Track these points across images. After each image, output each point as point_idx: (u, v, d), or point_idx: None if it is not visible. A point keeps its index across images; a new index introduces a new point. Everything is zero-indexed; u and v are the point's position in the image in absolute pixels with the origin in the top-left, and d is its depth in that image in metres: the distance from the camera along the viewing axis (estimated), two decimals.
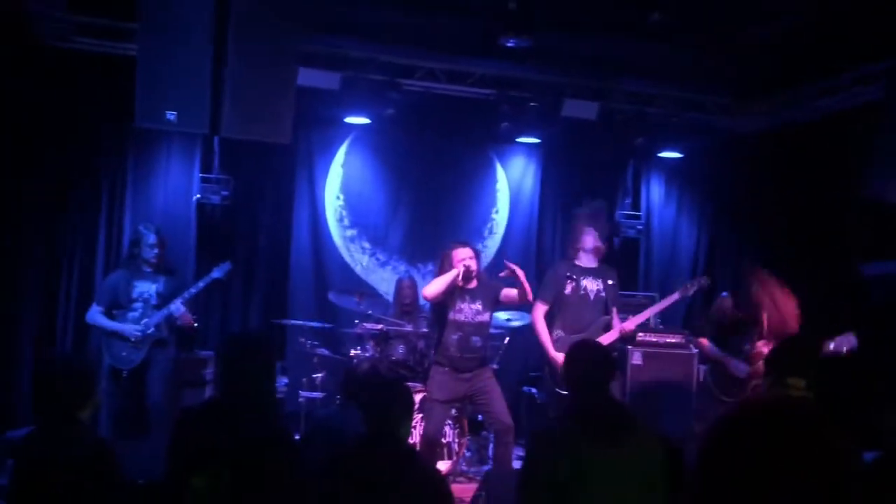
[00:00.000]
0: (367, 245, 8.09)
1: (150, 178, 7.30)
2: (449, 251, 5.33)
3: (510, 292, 5.30)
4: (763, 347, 5.04)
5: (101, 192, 7.16)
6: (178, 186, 7.36)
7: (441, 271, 5.29)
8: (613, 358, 3.03)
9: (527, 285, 5.21)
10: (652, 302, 6.73)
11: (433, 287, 5.22)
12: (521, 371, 7.75)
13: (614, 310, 5.59)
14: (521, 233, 8.32)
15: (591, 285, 5.53)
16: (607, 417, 2.78)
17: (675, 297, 5.57)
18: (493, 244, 8.33)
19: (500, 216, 8.39)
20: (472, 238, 7.94)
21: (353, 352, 6.61)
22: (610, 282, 5.60)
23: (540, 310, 5.48)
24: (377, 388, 3.07)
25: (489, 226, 8.37)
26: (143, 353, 5.76)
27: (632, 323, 5.55)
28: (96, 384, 3.14)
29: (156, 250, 5.87)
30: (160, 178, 7.33)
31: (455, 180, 8.17)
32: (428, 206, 8.09)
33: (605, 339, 5.45)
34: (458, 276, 5.21)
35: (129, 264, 5.92)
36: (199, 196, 7.34)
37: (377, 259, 8.08)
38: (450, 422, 6.07)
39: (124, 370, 5.73)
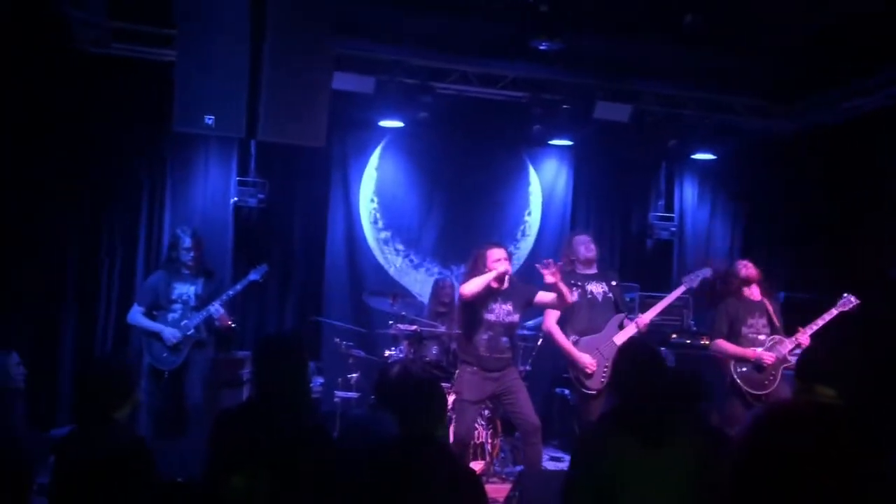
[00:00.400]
0: (400, 247, 8.09)
1: (189, 181, 7.36)
2: (483, 250, 5.28)
3: (546, 296, 5.27)
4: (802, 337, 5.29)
5: (142, 194, 7.23)
6: (216, 189, 7.41)
7: (473, 271, 5.24)
8: (662, 358, 2.93)
9: (565, 288, 5.18)
10: (686, 304, 6.67)
11: (472, 286, 5.15)
12: (553, 372, 7.64)
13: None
14: (553, 235, 8.28)
15: (597, 288, 5.54)
16: (651, 418, 2.71)
17: (682, 289, 5.61)
18: (525, 247, 8.30)
19: (533, 218, 8.37)
20: (504, 240, 7.90)
21: (387, 352, 6.62)
22: (613, 282, 5.62)
23: (552, 316, 5.47)
24: (412, 389, 3.04)
25: (522, 228, 8.35)
26: (184, 354, 5.77)
27: (646, 317, 5.55)
28: (135, 384, 3.14)
29: (192, 253, 5.88)
30: (198, 181, 7.39)
31: (488, 182, 8.15)
32: (461, 209, 8.07)
33: (622, 336, 5.46)
34: (497, 276, 5.17)
35: (168, 266, 5.94)
36: (236, 199, 7.41)
37: (411, 261, 8.09)
38: (483, 422, 6.06)
39: (166, 371, 5.77)
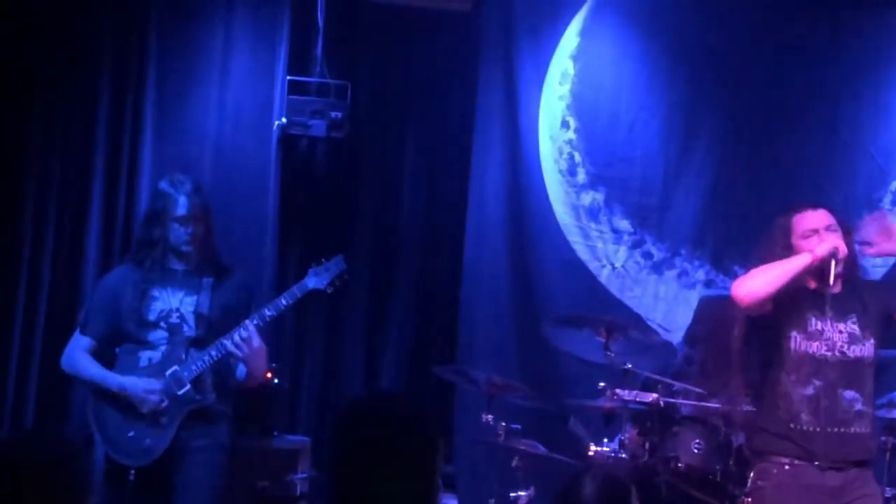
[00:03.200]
0: (625, 225, 8.00)
1: (191, 87, 7.57)
2: (786, 217, 5.40)
3: None
4: None
5: (98, 114, 7.40)
6: (244, 102, 7.62)
7: (769, 255, 5.36)
8: None
9: None
10: None
11: (757, 280, 5.27)
12: None
13: None
14: None
15: None
16: None
17: None
18: None
19: None
20: (852, 217, 7.13)
21: (593, 448, 6.57)
22: None
23: None
24: None
25: (893, 186, 8.08)
26: (169, 433, 5.75)
27: None
28: (86, 495, 3.27)
29: (190, 228, 5.86)
30: (210, 87, 7.58)
31: (813, 86, 8.03)
32: (753, 143, 8.02)
33: None
34: (815, 261, 5.21)
35: (143, 256, 5.95)
36: (284, 121, 7.53)
37: (647, 255, 7.99)
38: None
39: (132, 468, 5.70)
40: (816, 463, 5.19)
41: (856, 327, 5.30)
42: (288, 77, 7.53)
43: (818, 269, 5.21)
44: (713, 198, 7.95)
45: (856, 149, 8.06)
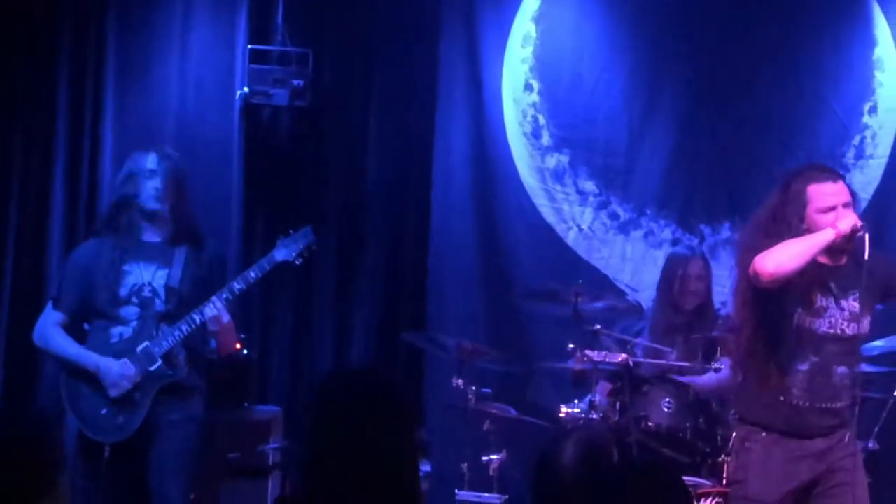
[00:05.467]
0: (590, 186, 8.03)
1: (151, 59, 7.60)
2: (798, 181, 5.31)
3: None
4: None
5: (57, 88, 7.44)
6: (205, 73, 7.67)
7: (775, 228, 5.28)
8: None
9: None
10: None
11: (788, 255, 5.13)
12: None
13: None
14: None
15: None
16: None
17: None
18: (863, 182, 7.91)
19: (882, 120, 8.04)
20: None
21: (563, 409, 6.72)
22: None
23: None
24: (615, 490, 3.09)
25: (856, 143, 8.04)
26: (143, 409, 5.75)
27: None
28: (57, 472, 3.28)
29: (158, 183, 5.85)
30: (170, 57, 7.61)
31: (775, 45, 8.01)
32: (718, 102, 8.02)
33: None
34: (837, 239, 5.14)
35: (112, 229, 5.94)
36: (246, 91, 7.57)
37: (614, 215, 8.04)
38: None
39: (106, 445, 5.71)
40: (801, 435, 5.23)
41: (856, 304, 5.32)
42: (249, 46, 7.54)
43: (837, 248, 5.22)
44: (677, 157, 7.95)
45: (817, 105, 8.06)
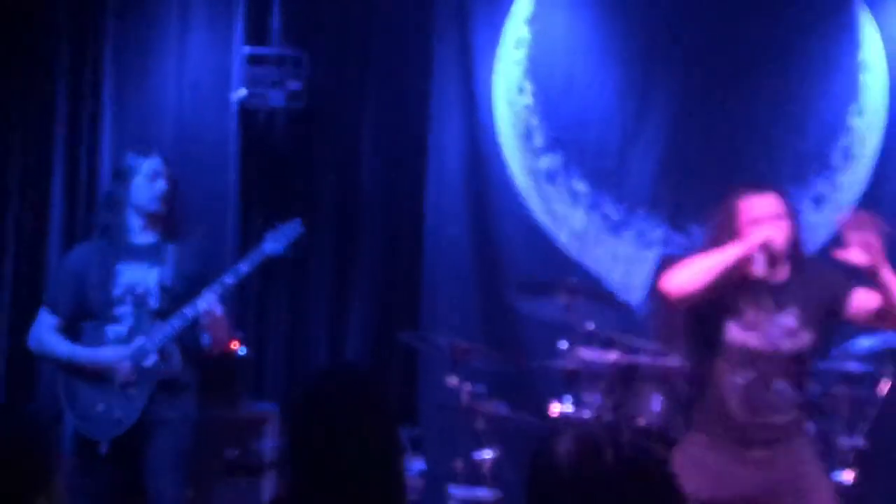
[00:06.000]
0: (582, 188, 8.01)
1: (149, 61, 7.57)
2: (731, 197, 5.39)
3: (869, 300, 5.33)
4: None
5: (55, 89, 7.43)
6: (203, 74, 7.65)
7: (716, 239, 5.37)
8: None
9: (891, 279, 5.22)
10: None
11: (685, 275, 5.25)
12: None
13: None
14: None
15: None
16: None
17: None
18: (850, 183, 8.06)
19: (868, 122, 8.06)
20: (802, 173, 7.92)
21: (555, 407, 6.66)
22: None
23: None
24: (606, 485, 2.97)
25: (842, 144, 8.06)
26: (139, 404, 5.79)
27: None
28: (52, 470, 3.32)
29: (161, 184, 5.94)
30: (167, 60, 7.60)
31: (763, 48, 8.00)
32: (708, 104, 8.00)
33: None
34: (747, 252, 5.20)
35: (108, 231, 6.02)
36: (243, 92, 7.60)
37: (605, 216, 8.04)
38: None
39: (103, 441, 5.76)
40: (741, 443, 5.28)
41: (794, 320, 5.32)
42: (245, 48, 7.55)
43: (766, 258, 5.25)
44: (669, 159, 7.97)
45: (804, 107, 8.08)
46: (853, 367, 6.79)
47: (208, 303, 5.79)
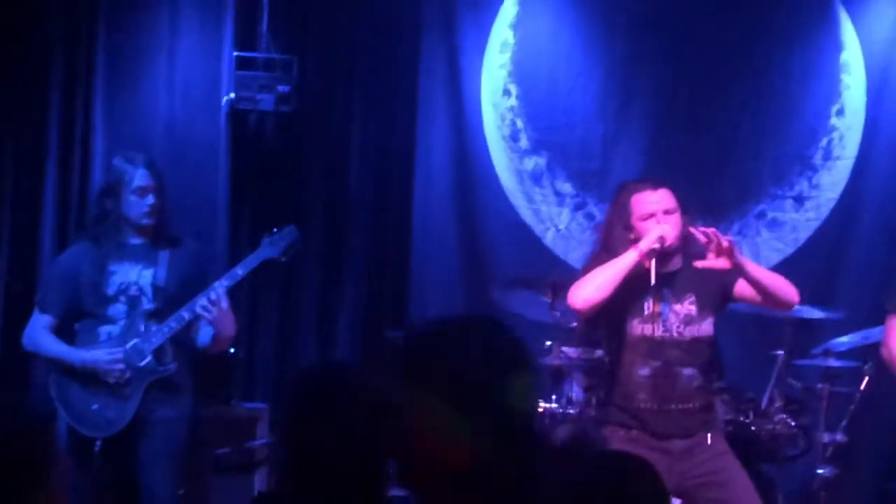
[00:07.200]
0: (567, 188, 8.14)
1: (140, 66, 7.61)
2: (627, 195, 5.51)
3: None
4: None
5: (50, 94, 7.45)
6: (194, 78, 7.68)
7: (608, 239, 5.54)
8: None
9: (744, 263, 5.43)
10: None
11: (589, 288, 5.37)
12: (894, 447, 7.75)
13: None
14: (893, 160, 8.11)
15: None
16: None
17: None
18: (830, 182, 8.19)
19: (849, 122, 8.19)
20: (784, 173, 8.08)
21: (542, 404, 6.79)
22: None
23: None
24: (597, 479, 3.08)
25: (823, 144, 8.20)
26: (133, 404, 5.82)
27: None
28: (49, 467, 3.20)
29: (150, 199, 5.92)
30: (158, 64, 7.62)
31: (745, 50, 8.14)
32: (690, 106, 8.11)
33: None
34: (641, 258, 5.29)
35: (99, 232, 6.03)
36: (233, 96, 7.58)
37: (589, 216, 8.08)
38: None
39: (97, 439, 5.79)
40: (658, 436, 5.38)
41: (693, 307, 5.43)
42: (235, 53, 7.56)
43: (655, 255, 5.34)
44: (651, 160, 8.01)
45: (786, 108, 8.22)
46: (833, 363, 6.91)
47: (217, 296, 5.81)
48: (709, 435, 5.46)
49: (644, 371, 5.41)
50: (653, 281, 5.35)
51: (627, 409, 5.46)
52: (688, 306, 5.44)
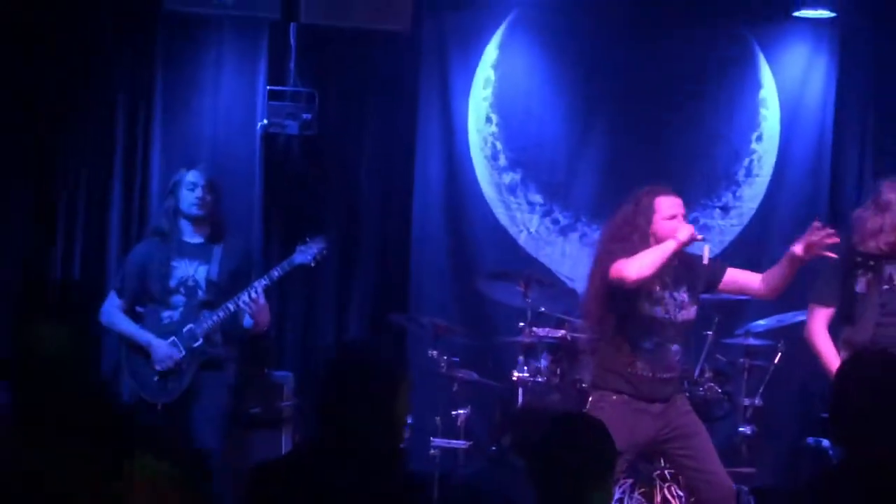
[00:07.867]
0: (537, 198, 8.53)
1: (190, 98, 8.03)
2: (649, 197, 5.70)
3: (746, 277, 5.82)
4: None
5: (116, 120, 7.88)
6: (233, 109, 8.04)
7: (630, 234, 5.66)
8: None
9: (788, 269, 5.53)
10: None
11: (644, 263, 5.46)
12: (805, 410, 8.10)
13: None
14: (803, 177, 8.58)
15: None
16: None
17: None
18: (750, 196, 8.68)
19: (766, 147, 8.67)
20: (713, 187, 8.47)
21: (516, 374, 7.27)
22: None
23: (820, 318, 5.85)
24: (559, 436, 3.33)
25: (745, 164, 8.66)
26: (187, 377, 6.30)
27: None
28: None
29: (199, 192, 6.31)
30: (205, 97, 8.03)
31: (683, 86, 8.44)
32: (639, 132, 8.41)
33: None
34: (679, 247, 5.52)
35: (164, 232, 6.45)
36: (265, 122, 7.99)
37: (555, 221, 8.53)
38: (627, 481, 6.52)
39: (159, 403, 6.31)
40: (645, 399, 5.67)
41: (685, 296, 5.74)
42: (268, 87, 7.99)
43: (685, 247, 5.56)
44: (607, 176, 8.45)
45: (715, 136, 8.69)
46: (752, 342, 7.44)
47: (256, 294, 6.23)
48: (679, 398, 5.79)
49: (646, 345, 5.64)
50: (705, 261, 5.64)
51: (624, 375, 5.64)
52: (682, 294, 5.72)
